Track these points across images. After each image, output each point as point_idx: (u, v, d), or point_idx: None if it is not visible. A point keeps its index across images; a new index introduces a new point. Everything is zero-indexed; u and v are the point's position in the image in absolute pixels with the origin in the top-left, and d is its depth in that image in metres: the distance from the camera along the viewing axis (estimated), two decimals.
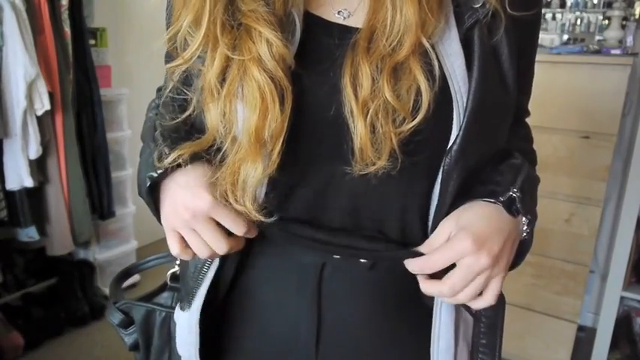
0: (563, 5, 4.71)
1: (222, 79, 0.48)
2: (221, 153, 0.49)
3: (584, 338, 2.28)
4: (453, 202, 0.50)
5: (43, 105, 1.80)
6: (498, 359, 0.56)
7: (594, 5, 4.52)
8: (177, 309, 0.61)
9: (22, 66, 1.72)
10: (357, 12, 0.49)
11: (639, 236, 1.90)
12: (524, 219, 0.50)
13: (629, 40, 2.02)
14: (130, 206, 2.55)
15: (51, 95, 1.84)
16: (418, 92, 0.45)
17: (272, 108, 0.45)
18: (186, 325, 0.58)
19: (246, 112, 0.46)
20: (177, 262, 0.65)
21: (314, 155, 0.49)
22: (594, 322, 2.27)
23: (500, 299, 0.54)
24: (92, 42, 2.24)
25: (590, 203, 1.85)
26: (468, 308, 0.55)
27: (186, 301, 0.58)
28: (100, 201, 2.24)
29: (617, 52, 1.87)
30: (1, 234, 2.01)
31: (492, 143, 0.52)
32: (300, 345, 0.56)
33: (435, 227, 0.51)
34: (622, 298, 1.93)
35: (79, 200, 2.06)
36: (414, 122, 0.45)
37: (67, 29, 1.96)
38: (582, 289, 1.93)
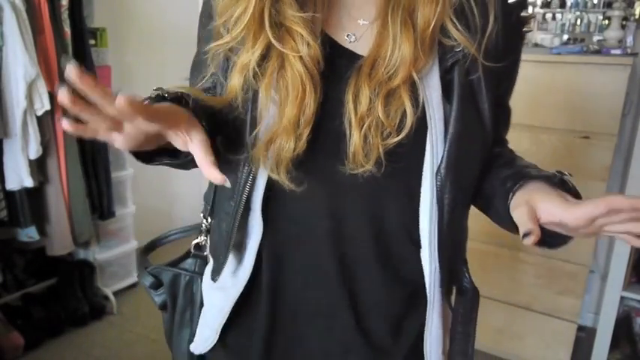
0: (563, 5, 4.71)
1: (259, 64, 0.57)
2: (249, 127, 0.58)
3: (584, 338, 2.28)
4: (450, 214, 0.59)
5: (43, 105, 1.80)
6: (472, 346, 0.68)
7: (594, 5, 4.52)
8: (209, 280, 0.69)
9: (22, 66, 1.72)
10: (363, 38, 0.59)
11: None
12: None
13: (629, 40, 2.02)
14: (130, 206, 2.55)
15: (51, 95, 1.84)
16: (404, 114, 0.55)
17: (309, 97, 0.55)
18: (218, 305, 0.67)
19: (289, 98, 0.55)
20: (202, 236, 0.74)
21: (318, 151, 0.58)
22: (594, 322, 2.27)
23: (475, 293, 0.67)
24: (92, 42, 2.23)
25: None
26: (449, 303, 0.67)
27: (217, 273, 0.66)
28: (100, 201, 2.24)
29: (617, 52, 1.87)
30: (1, 234, 2.01)
31: (474, 166, 0.62)
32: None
33: (440, 232, 0.59)
34: (622, 298, 1.93)
35: (79, 200, 2.06)
36: (398, 138, 0.55)
37: (67, 29, 1.96)
38: (582, 289, 1.93)
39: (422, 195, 0.59)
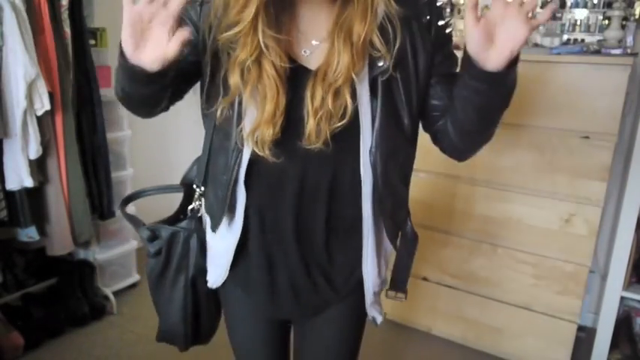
0: (563, 5, 4.72)
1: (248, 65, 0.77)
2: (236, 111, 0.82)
3: (585, 338, 2.28)
4: (383, 179, 0.84)
5: (43, 105, 1.80)
6: (409, 274, 0.98)
7: (594, 5, 4.52)
8: (211, 232, 0.94)
9: (22, 66, 1.72)
10: (314, 53, 0.82)
11: (639, 236, 1.90)
12: None
13: (629, 40, 2.02)
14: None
15: (51, 95, 1.84)
16: (345, 107, 0.78)
17: (282, 96, 0.78)
18: (224, 248, 0.91)
19: (268, 97, 0.77)
20: (197, 202, 0.98)
21: (286, 133, 0.80)
22: (594, 322, 2.27)
23: (414, 237, 0.95)
24: (92, 42, 2.23)
25: (590, 203, 1.85)
26: (394, 243, 0.93)
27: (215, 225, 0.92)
28: (100, 201, 2.24)
29: (617, 52, 1.87)
30: (1, 234, 2.01)
31: (398, 144, 0.86)
32: (287, 238, 0.89)
33: (375, 195, 0.84)
34: (622, 298, 1.93)
35: (79, 200, 2.06)
36: (341, 123, 0.78)
37: (67, 29, 1.96)
38: (582, 289, 1.93)
39: (361, 166, 0.83)
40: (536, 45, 2.65)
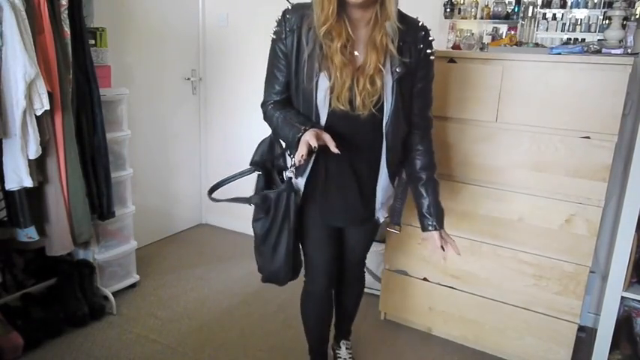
0: (563, 5, 4.71)
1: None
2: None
3: (585, 338, 2.28)
4: (390, 139, 1.43)
5: (42, 105, 1.80)
6: (404, 205, 1.67)
7: (595, 5, 4.51)
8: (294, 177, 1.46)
9: (21, 66, 1.72)
10: (357, 56, 1.37)
11: None
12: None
13: (630, 40, 2.01)
14: (129, 206, 2.55)
15: (50, 95, 1.83)
16: (377, 88, 1.35)
17: (347, 77, 1.34)
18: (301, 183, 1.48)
19: (344, 74, 1.32)
20: (291, 169, 1.43)
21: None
22: (595, 323, 2.27)
23: (406, 184, 1.63)
24: (92, 42, 2.23)
25: (591, 203, 1.85)
26: (392, 182, 1.56)
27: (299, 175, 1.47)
28: (99, 201, 2.24)
29: (618, 52, 1.86)
30: (1, 234, 2.01)
31: (400, 121, 1.43)
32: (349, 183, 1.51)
33: (387, 151, 1.45)
34: (622, 299, 1.93)
35: (78, 200, 2.06)
36: (376, 97, 1.36)
37: (67, 29, 1.96)
38: (583, 289, 1.93)
39: (383, 135, 1.42)
40: (536, 45, 2.64)
